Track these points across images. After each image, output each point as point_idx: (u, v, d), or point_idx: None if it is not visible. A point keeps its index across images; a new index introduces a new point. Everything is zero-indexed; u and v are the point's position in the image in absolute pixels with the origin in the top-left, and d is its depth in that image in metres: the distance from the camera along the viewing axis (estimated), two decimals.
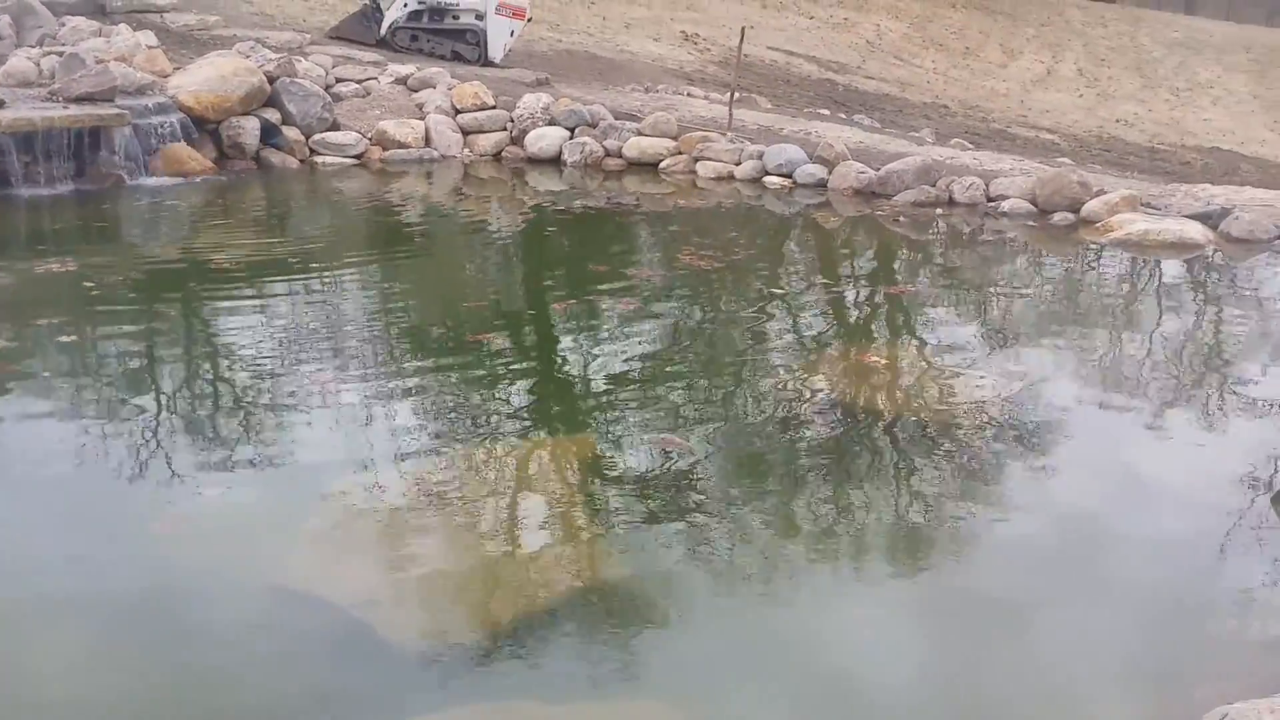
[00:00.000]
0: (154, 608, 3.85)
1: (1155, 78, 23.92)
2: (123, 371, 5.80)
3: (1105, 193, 10.30)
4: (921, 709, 3.62)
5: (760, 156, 11.38)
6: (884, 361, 6.57)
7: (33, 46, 10.69)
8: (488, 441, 5.22)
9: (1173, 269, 9.13)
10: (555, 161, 11.51)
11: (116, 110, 9.32)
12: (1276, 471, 5.18)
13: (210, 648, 3.67)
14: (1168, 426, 5.94)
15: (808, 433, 5.55)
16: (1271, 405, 6.15)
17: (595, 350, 6.63)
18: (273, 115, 10.59)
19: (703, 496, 4.79)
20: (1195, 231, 9.55)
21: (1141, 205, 10.27)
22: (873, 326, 7.51)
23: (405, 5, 13.69)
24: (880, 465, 5.28)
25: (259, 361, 6.00)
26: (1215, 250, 9.42)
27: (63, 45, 10.64)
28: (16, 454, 4.89)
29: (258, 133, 10.38)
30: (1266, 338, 7.44)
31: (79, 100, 9.26)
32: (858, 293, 8.34)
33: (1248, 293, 8.53)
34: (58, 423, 5.22)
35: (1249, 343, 7.33)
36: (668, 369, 6.31)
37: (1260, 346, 7.25)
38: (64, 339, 6.07)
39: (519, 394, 5.91)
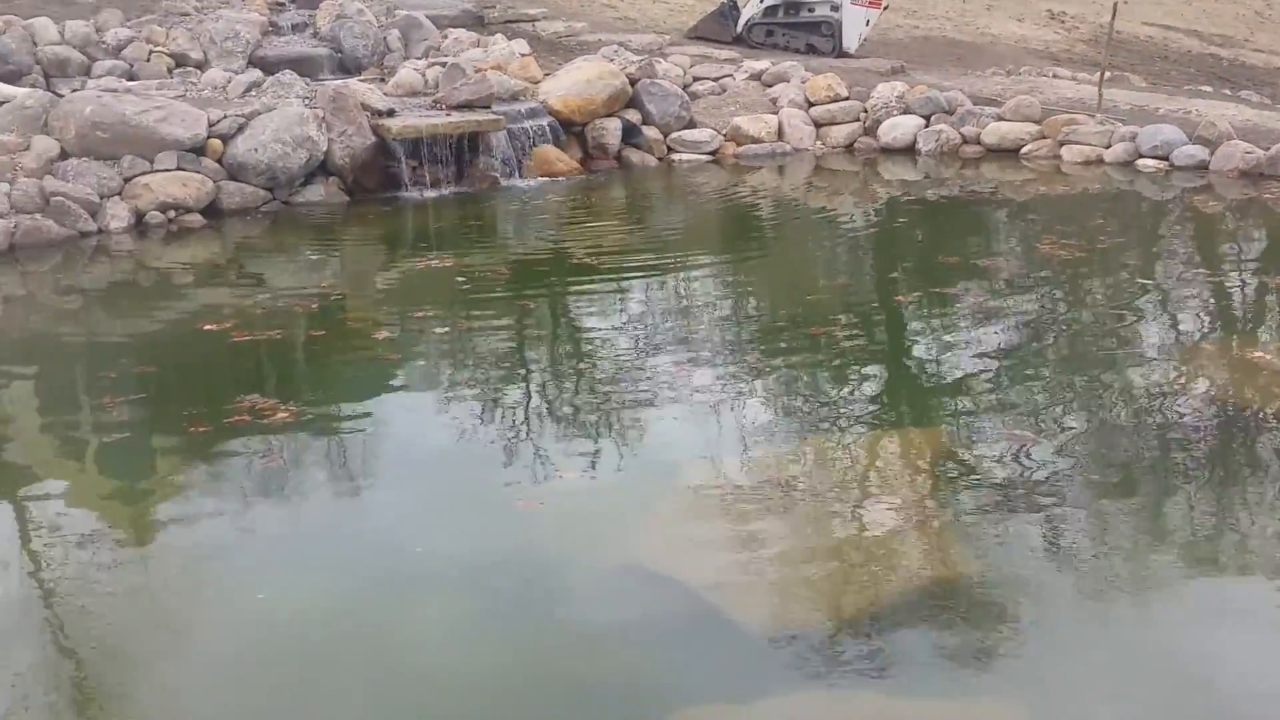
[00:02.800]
0: (516, 581, 4.11)
1: None
2: (488, 360, 6.21)
3: None
4: None
5: (1133, 138, 10.73)
6: (1272, 359, 6.03)
7: (419, 58, 11.61)
8: (834, 432, 5.21)
9: None
10: (909, 151, 11.31)
11: (493, 115, 9.98)
12: None
13: (567, 622, 3.87)
14: None
15: (1179, 433, 5.18)
16: None
17: (944, 343, 6.47)
18: (633, 116, 11.00)
19: (1058, 494, 4.57)
20: None
21: None
22: (1259, 321, 6.91)
23: (761, 1, 13.85)
24: (1262, 471, 4.86)
25: (614, 351, 6.27)
26: None
27: (445, 56, 11.49)
28: (395, 435, 5.35)
29: (619, 133, 10.82)
30: None
31: (460, 107, 9.98)
32: (1241, 283, 7.69)
33: None
34: (431, 407, 5.67)
35: None
36: (1021, 363, 6.07)
37: None
38: (438, 330, 6.57)
39: (864, 386, 5.87)
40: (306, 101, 9.58)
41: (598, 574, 4.20)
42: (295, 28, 12.07)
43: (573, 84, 10.75)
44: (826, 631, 3.76)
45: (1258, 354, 6.07)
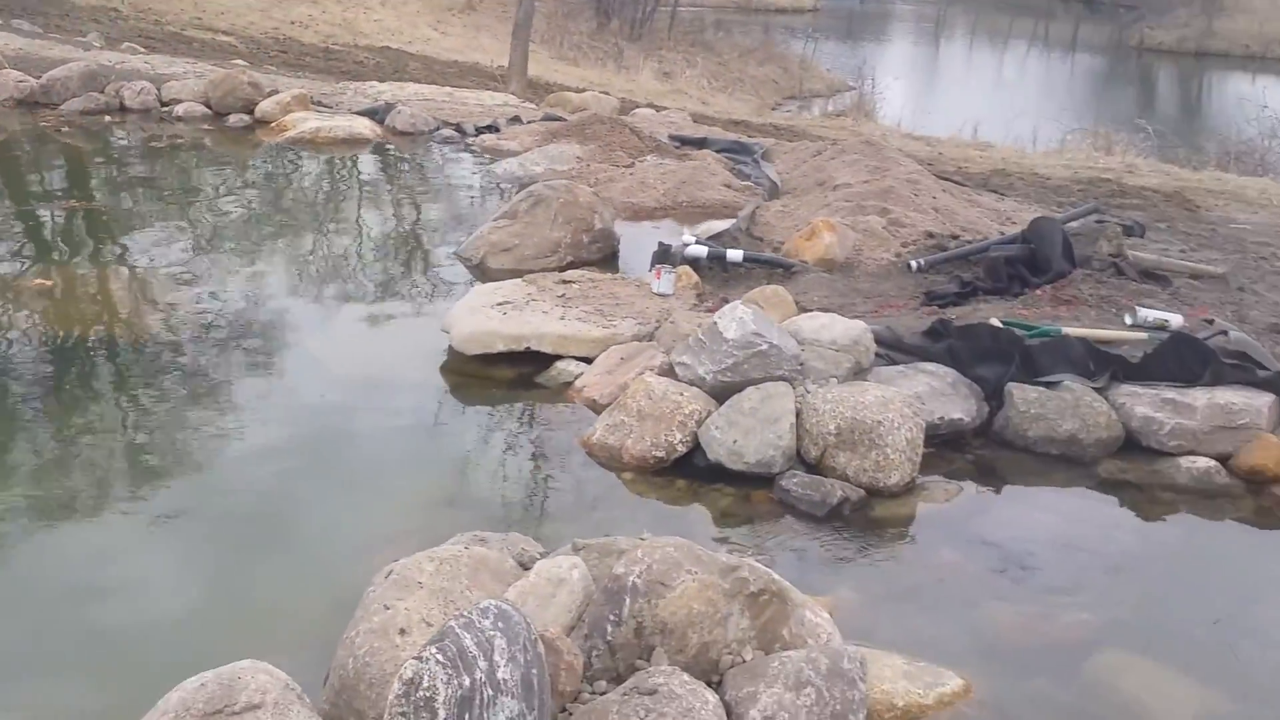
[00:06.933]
0: None
1: None
2: None
3: (278, 93, 10.56)
4: (181, 625, 3.50)
5: None
6: (61, 283, 6.21)
7: None
8: None
9: (348, 162, 9.62)
10: None
11: None
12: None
13: None
14: (377, 311, 6.25)
15: None
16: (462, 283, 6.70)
17: None
18: None
19: None
20: (364, 127, 10.18)
21: (314, 104, 10.68)
22: (49, 246, 7.06)
23: None
24: (88, 395, 4.99)
25: None
26: (385, 142, 10.11)
27: None
28: None
29: None
30: (447, 219, 8.12)
31: None
32: (24, 212, 7.73)
33: (423, 179, 9.27)
34: None
35: (429, 223, 8.00)
36: None
37: (438, 225, 7.93)
38: None
39: None
40: None
41: None
42: None
43: None
44: None
45: (41, 280, 6.22)
